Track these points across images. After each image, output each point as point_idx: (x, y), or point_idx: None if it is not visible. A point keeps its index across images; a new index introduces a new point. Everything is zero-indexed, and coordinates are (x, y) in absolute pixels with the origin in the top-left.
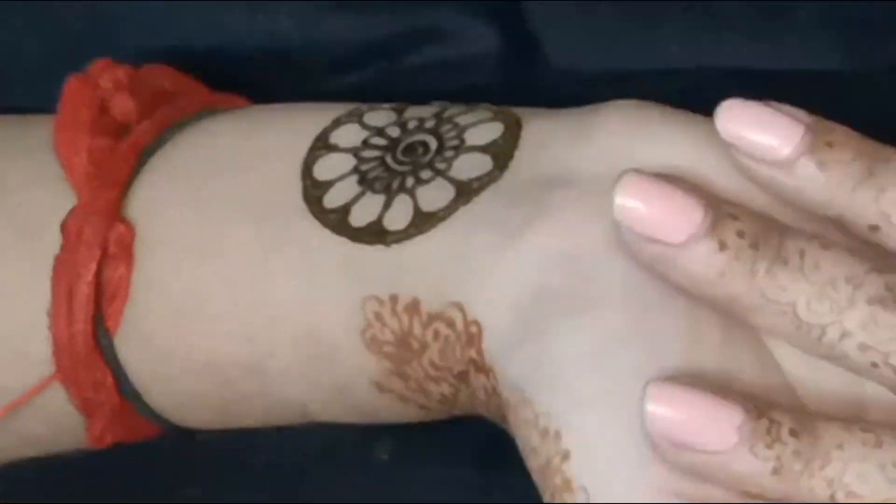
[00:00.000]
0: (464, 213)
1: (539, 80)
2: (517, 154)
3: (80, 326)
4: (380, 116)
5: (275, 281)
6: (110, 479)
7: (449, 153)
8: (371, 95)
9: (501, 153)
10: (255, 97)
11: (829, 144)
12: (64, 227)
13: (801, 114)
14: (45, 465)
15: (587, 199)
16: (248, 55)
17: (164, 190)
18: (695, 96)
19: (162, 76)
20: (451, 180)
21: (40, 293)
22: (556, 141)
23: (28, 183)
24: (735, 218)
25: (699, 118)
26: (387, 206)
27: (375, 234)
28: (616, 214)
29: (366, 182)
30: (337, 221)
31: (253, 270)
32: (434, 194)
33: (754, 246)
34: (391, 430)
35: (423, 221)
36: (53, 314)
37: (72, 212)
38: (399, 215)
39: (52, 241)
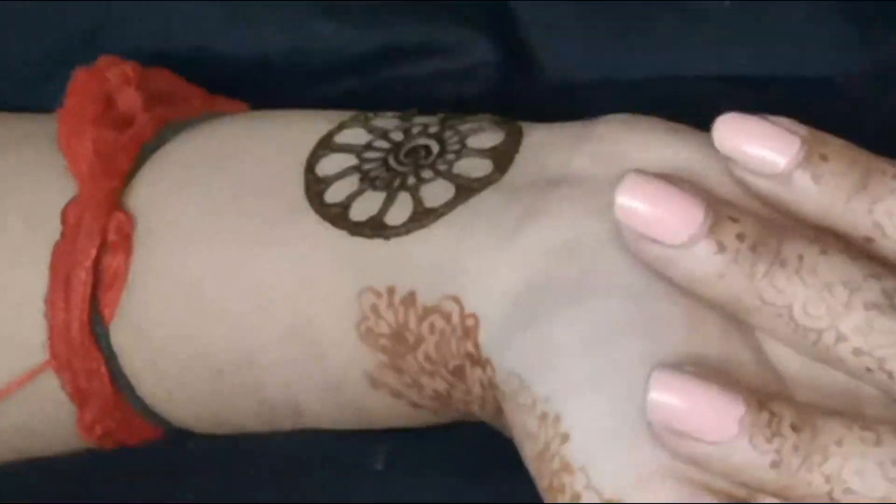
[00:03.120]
0: (463, 209)
1: (534, 90)
2: (518, 158)
3: (76, 313)
4: (385, 122)
5: (271, 272)
6: (102, 487)
7: (450, 156)
8: (364, 104)
9: (502, 157)
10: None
11: (824, 157)
12: (64, 216)
13: (797, 126)
14: (36, 470)
15: (587, 196)
16: (235, 64)
17: (165, 182)
18: (690, 103)
19: (161, 78)
20: (452, 180)
21: (38, 280)
22: (557, 146)
23: (30, 171)
24: (735, 220)
25: (700, 132)
26: (388, 202)
27: (375, 227)
28: (617, 214)
29: (367, 180)
30: (337, 215)
31: (249, 261)
32: (434, 192)
33: (753, 248)
34: (385, 440)
35: (422, 217)
36: (50, 301)
37: (72, 201)
38: (399, 211)
39: (52, 229)
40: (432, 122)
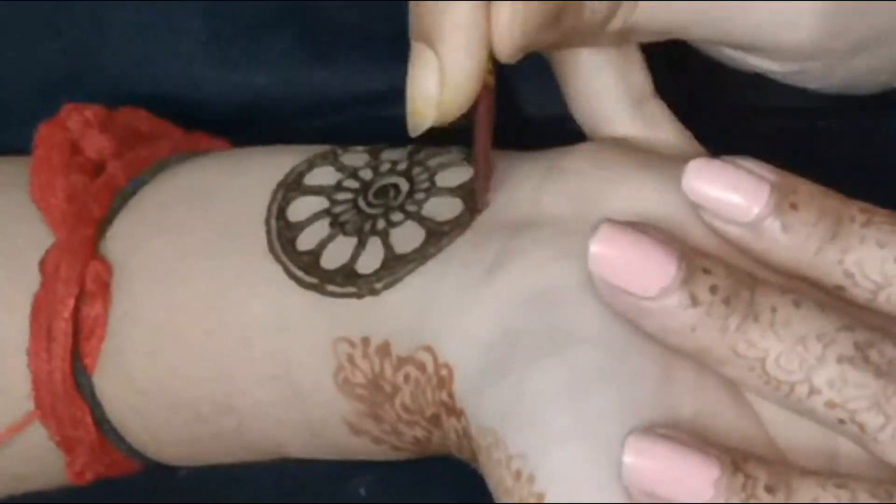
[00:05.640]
0: (434, 255)
1: (511, 125)
2: (487, 196)
3: (58, 363)
4: (354, 158)
5: (248, 320)
6: None
7: (420, 195)
8: (346, 139)
9: (472, 195)
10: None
11: (794, 206)
12: (42, 266)
13: (766, 171)
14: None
15: (558, 240)
16: (222, 106)
17: (143, 226)
18: None
19: (138, 118)
20: (422, 223)
21: (20, 331)
22: (526, 182)
23: (8, 222)
24: (708, 272)
25: (672, 161)
26: (358, 248)
27: (347, 276)
28: (590, 264)
29: (338, 224)
30: (309, 263)
31: (228, 304)
32: (405, 237)
33: (726, 301)
34: (369, 465)
35: (393, 264)
36: (32, 352)
37: (50, 250)
38: (370, 259)
39: (31, 279)
40: (401, 158)
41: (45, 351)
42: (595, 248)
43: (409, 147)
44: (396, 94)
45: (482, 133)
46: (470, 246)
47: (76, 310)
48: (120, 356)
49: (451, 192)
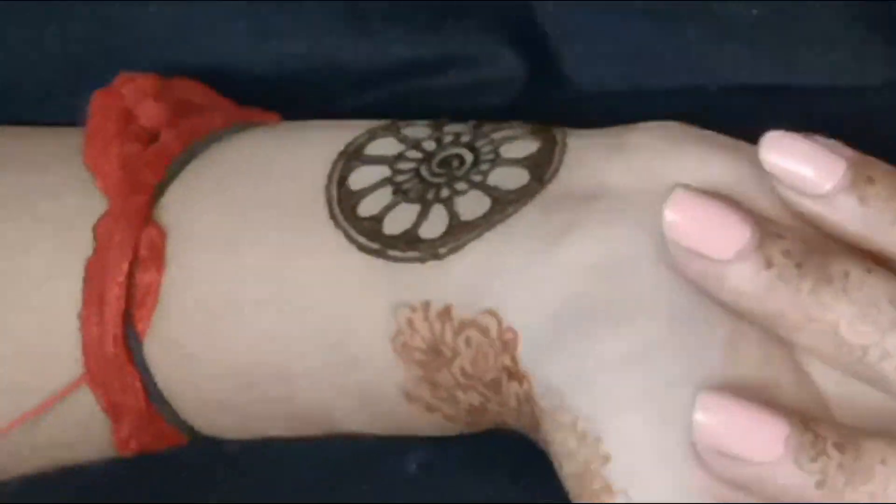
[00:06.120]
0: (500, 222)
1: (559, 100)
2: (552, 168)
3: (109, 329)
4: (416, 131)
5: (305, 285)
6: (133, 490)
7: (485, 166)
8: (392, 114)
9: (537, 166)
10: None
11: (870, 180)
12: (96, 231)
13: (842, 148)
14: (67, 475)
15: (625, 211)
16: (258, 80)
17: (197, 195)
18: (718, 113)
19: (191, 89)
20: (487, 192)
21: (72, 296)
22: (592, 156)
23: (61, 189)
24: (781, 237)
25: (737, 142)
26: (422, 215)
27: (410, 241)
28: (665, 229)
29: (400, 192)
30: (370, 229)
31: (283, 274)
32: (470, 205)
33: (799, 265)
34: (419, 443)
35: (458, 231)
36: (84, 316)
37: (103, 216)
38: (434, 225)
39: (84, 245)
40: (464, 131)
41: (97, 316)
42: (670, 213)
43: (472, 121)
44: (442, 62)
45: None
46: (536, 214)
47: (129, 276)
48: (171, 323)
49: (518, 162)
